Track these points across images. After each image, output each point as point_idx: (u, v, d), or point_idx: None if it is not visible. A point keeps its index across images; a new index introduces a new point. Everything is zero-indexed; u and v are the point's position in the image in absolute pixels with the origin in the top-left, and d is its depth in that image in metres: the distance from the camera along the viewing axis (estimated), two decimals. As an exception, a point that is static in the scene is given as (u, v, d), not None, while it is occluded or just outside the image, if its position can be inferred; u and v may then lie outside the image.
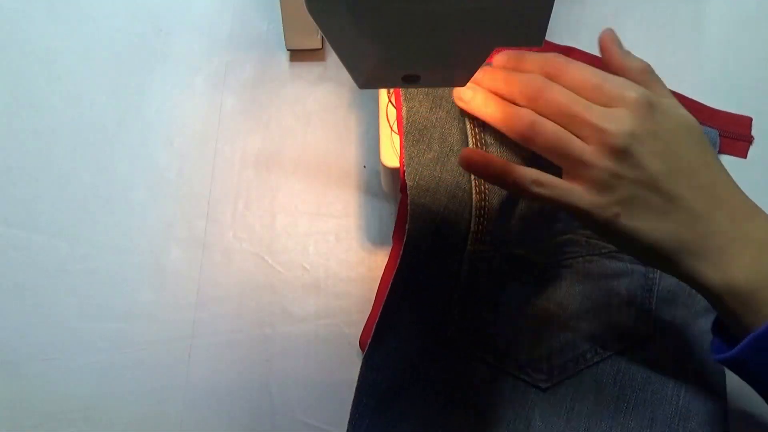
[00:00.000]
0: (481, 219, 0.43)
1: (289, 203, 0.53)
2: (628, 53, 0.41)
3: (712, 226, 0.37)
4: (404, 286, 0.44)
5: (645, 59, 0.41)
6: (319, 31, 0.46)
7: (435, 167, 0.43)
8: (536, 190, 0.38)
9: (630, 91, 0.38)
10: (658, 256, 0.38)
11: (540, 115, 0.39)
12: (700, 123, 0.41)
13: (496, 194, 0.43)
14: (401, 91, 0.44)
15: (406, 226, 0.43)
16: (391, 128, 0.44)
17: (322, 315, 0.50)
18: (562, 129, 0.38)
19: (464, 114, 0.43)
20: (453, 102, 0.43)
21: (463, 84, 0.37)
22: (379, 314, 0.44)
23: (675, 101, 0.40)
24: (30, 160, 0.54)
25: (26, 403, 0.48)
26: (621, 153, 0.37)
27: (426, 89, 0.44)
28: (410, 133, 0.43)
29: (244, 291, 0.50)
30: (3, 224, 0.52)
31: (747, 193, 0.39)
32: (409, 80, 0.33)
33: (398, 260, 0.43)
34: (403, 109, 0.43)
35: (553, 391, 0.46)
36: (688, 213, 0.37)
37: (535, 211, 0.45)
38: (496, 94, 0.42)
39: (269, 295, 0.50)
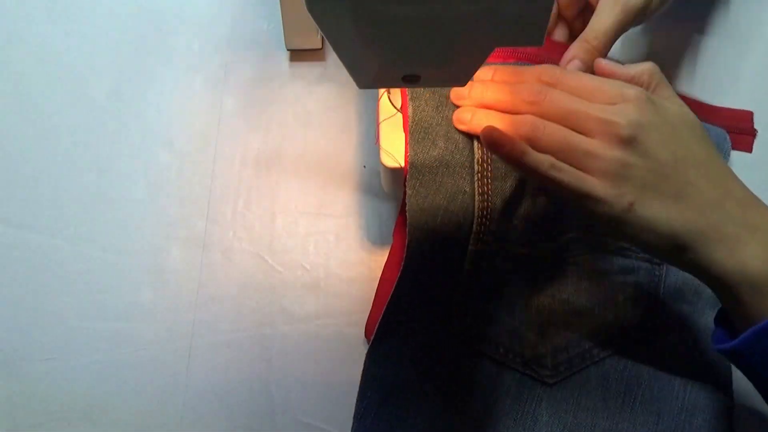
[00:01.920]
0: (484, 219, 0.43)
1: (289, 203, 0.53)
2: (629, 65, 0.42)
3: (724, 215, 0.37)
4: (409, 283, 0.44)
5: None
6: (319, 31, 0.46)
7: (438, 168, 0.43)
8: (553, 173, 0.38)
9: (628, 89, 0.39)
10: (673, 246, 0.38)
11: (542, 118, 0.39)
12: (704, 121, 0.41)
13: (498, 195, 0.43)
14: (407, 90, 0.44)
15: (407, 227, 0.43)
16: (379, 123, 0.44)
17: (322, 315, 0.50)
18: (566, 128, 0.39)
19: None
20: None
21: (463, 84, 0.37)
22: (383, 311, 0.44)
23: (678, 100, 0.41)
24: (30, 160, 0.54)
25: (26, 403, 0.48)
26: (629, 142, 0.37)
27: (432, 88, 0.44)
28: (415, 131, 0.43)
29: (244, 291, 0.50)
30: (3, 224, 0.52)
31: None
32: (410, 80, 0.33)
33: (402, 257, 0.43)
34: (409, 108, 0.43)
35: (559, 387, 0.46)
36: (701, 200, 0.38)
37: (539, 211, 0.45)
38: (495, 108, 0.42)
39: (269, 295, 0.50)
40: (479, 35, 0.29)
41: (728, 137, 0.50)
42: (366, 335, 0.48)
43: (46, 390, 0.48)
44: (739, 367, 0.39)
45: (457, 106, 0.44)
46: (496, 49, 0.32)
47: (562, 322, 0.47)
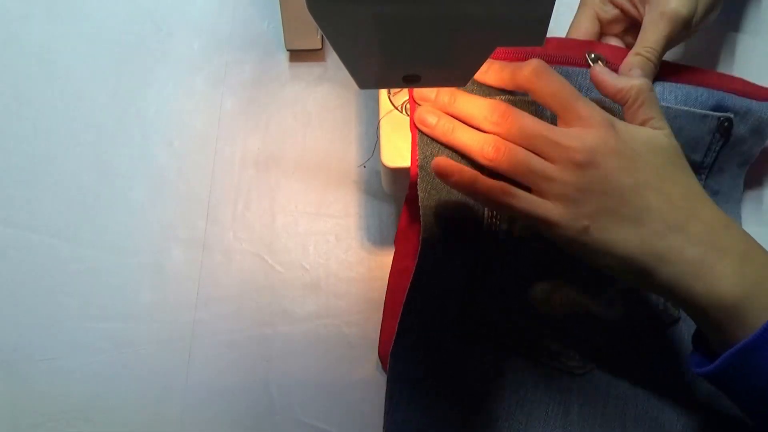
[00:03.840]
0: (494, 219, 0.44)
1: (289, 203, 0.53)
2: (621, 77, 0.42)
3: (686, 237, 0.37)
4: (425, 283, 0.44)
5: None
6: (319, 31, 0.46)
7: None
8: (506, 200, 0.39)
9: (592, 113, 0.39)
10: (632, 269, 0.38)
11: (504, 137, 0.40)
12: (752, 98, 0.43)
13: None
14: (415, 90, 0.44)
15: (422, 228, 0.43)
16: (380, 119, 0.44)
17: (322, 315, 0.50)
18: (526, 150, 0.39)
19: None
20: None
21: (463, 84, 0.37)
22: (401, 310, 0.44)
23: (659, 122, 0.41)
24: (30, 160, 0.54)
25: (26, 403, 0.48)
26: (584, 167, 0.38)
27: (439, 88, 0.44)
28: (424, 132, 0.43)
29: (244, 291, 0.50)
30: (3, 224, 0.52)
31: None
32: (410, 80, 0.33)
33: (407, 263, 0.43)
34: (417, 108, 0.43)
35: (588, 377, 0.46)
36: (661, 224, 0.38)
37: None
38: (459, 119, 0.42)
39: (269, 295, 0.50)
40: (480, 35, 0.29)
41: None
42: (379, 348, 0.48)
43: (46, 390, 0.48)
44: (722, 389, 0.39)
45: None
46: (497, 49, 0.33)
47: (586, 313, 0.47)
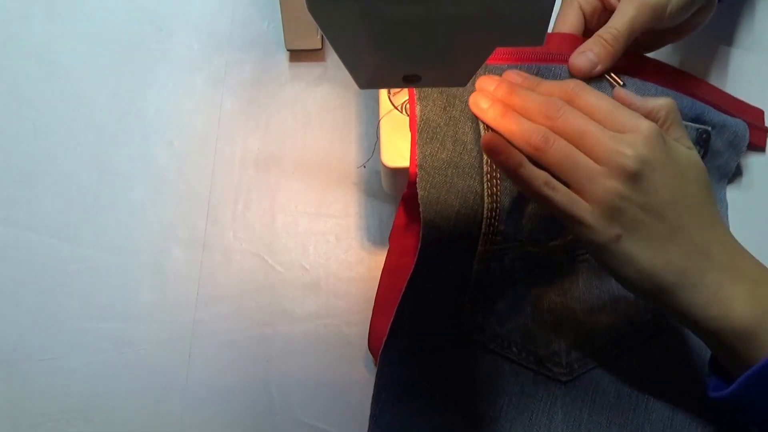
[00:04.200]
0: (492, 221, 0.43)
1: (289, 203, 0.53)
2: (648, 98, 0.42)
3: (709, 260, 0.38)
4: (421, 283, 0.44)
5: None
6: (319, 31, 0.46)
7: (447, 169, 0.43)
8: (546, 191, 0.38)
9: (643, 121, 0.39)
10: (652, 285, 0.38)
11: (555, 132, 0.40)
12: (726, 113, 0.42)
13: (507, 195, 0.43)
14: (415, 90, 0.44)
15: (422, 228, 0.43)
16: (380, 119, 0.44)
17: (322, 315, 0.50)
18: (574, 147, 0.39)
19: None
20: (466, 101, 0.43)
21: (463, 84, 0.37)
22: (395, 310, 0.44)
23: (688, 141, 0.41)
24: (30, 160, 0.54)
25: (26, 403, 0.48)
26: (632, 176, 0.37)
27: (440, 88, 0.44)
28: (423, 131, 0.43)
29: (244, 291, 0.50)
30: (3, 224, 0.52)
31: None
32: (410, 80, 0.33)
33: (399, 262, 0.43)
34: (417, 108, 0.43)
35: (573, 385, 0.46)
36: (689, 245, 0.38)
37: (542, 210, 0.45)
38: (513, 109, 0.42)
39: (269, 295, 0.50)
40: (480, 35, 0.29)
41: (747, 135, 0.50)
42: (369, 343, 0.48)
43: (46, 390, 0.48)
44: (740, 414, 0.38)
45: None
46: (497, 49, 0.32)
47: (575, 319, 0.47)
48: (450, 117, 0.44)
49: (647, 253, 0.38)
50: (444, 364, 0.46)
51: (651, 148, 0.38)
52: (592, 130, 0.39)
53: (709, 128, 0.47)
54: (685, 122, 0.45)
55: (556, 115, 0.40)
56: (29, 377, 0.48)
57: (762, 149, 0.53)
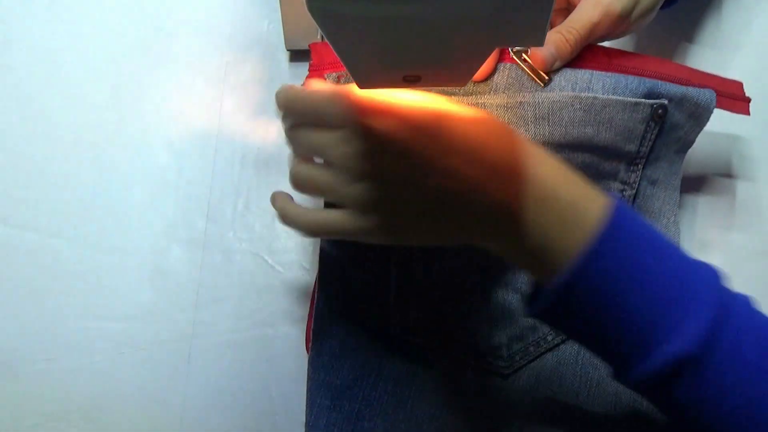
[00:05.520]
0: None
1: (289, 203, 0.53)
2: None
3: (484, 195, 0.36)
4: (326, 294, 0.44)
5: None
6: (319, 31, 0.46)
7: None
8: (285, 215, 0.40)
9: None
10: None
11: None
12: (694, 85, 0.42)
13: None
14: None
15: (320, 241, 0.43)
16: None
17: (322, 315, 0.50)
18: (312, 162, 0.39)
19: None
20: None
21: (464, 84, 0.37)
22: (312, 316, 0.44)
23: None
24: (30, 160, 0.54)
25: (26, 403, 0.48)
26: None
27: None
28: None
29: (244, 291, 0.50)
30: (3, 224, 0.52)
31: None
32: (410, 80, 0.33)
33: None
34: None
35: (515, 377, 0.46)
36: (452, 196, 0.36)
37: None
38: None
39: (269, 295, 0.50)
40: (480, 35, 0.29)
41: (715, 97, 0.47)
42: (306, 344, 0.48)
43: (46, 390, 0.48)
44: (556, 326, 0.37)
45: None
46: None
47: (517, 311, 0.46)
48: None
49: (415, 225, 0.37)
50: (379, 367, 0.45)
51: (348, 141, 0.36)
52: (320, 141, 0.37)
53: (665, 101, 0.45)
54: (636, 99, 0.44)
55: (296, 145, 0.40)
56: (29, 377, 0.48)
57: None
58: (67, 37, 0.57)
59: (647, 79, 0.45)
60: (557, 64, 0.44)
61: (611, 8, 0.44)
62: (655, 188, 0.47)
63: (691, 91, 0.46)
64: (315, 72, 0.45)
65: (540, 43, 0.29)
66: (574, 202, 0.35)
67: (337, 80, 0.44)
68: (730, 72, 0.49)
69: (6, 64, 0.56)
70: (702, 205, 0.53)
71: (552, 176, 0.36)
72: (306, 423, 0.43)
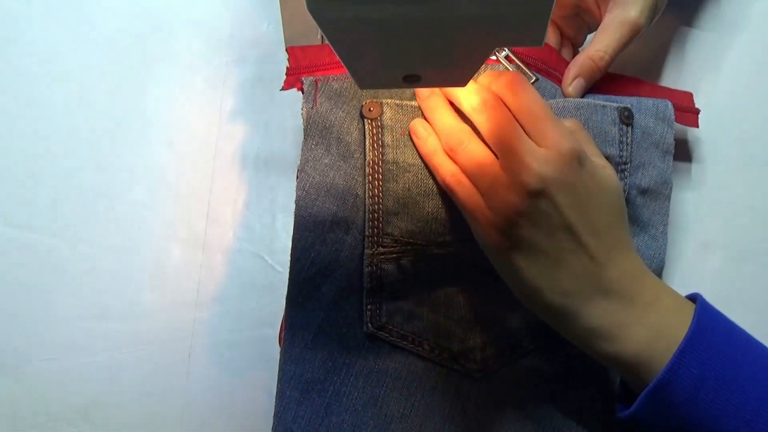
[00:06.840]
0: (376, 222, 0.43)
1: (289, 203, 0.52)
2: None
3: (600, 286, 0.38)
4: (299, 290, 0.44)
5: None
6: (319, 31, 0.46)
7: (329, 173, 0.44)
8: (451, 182, 0.40)
9: (565, 139, 0.38)
10: (539, 304, 0.39)
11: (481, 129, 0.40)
12: (646, 97, 0.43)
13: (390, 197, 0.43)
14: (303, 92, 0.45)
15: (293, 229, 0.44)
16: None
17: (322, 315, 0.50)
18: (488, 153, 0.39)
19: (364, 114, 0.44)
20: (353, 102, 0.45)
21: (464, 84, 0.37)
22: (285, 308, 0.44)
23: (604, 161, 0.41)
24: (30, 160, 0.54)
25: (26, 403, 0.48)
26: (532, 194, 0.37)
27: (327, 90, 0.45)
28: (311, 136, 0.44)
29: (244, 291, 0.50)
30: (3, 224, 0.52)
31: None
32: (410, 80, 0.33)
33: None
34: (303, 110, 0.44)
35: (488, 380, 0.46)
36: (579, 269, 0.38)
37: (452, 212, 0.44)
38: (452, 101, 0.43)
39: (269, 295, 0.50)
40: (480, 35, 0.29)
41: (671, 107, 0.49)
42: (279, 336, 0.47)
43: (46, 390, 0.48)
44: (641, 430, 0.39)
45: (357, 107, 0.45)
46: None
47: (491, 316, 0.46)
48: (336, 118, 0.44)
49: (532, 271, 0.38)
50: (350, 362, 0.45)
51: (560, 169, 0.37)
52: (512, 135, 0.38)
53: (629, 105, 0.46)
54: (604, 102, 0.45)
55: (482, 109, 0.40)
56: (29, 377, 0.48)
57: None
58: (67, 37, 0.57)
59: (608, 96, 0.47)
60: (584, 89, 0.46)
61: (638, 24, 0.44)
62: (645, 198, 0.47)
63: (644, 100, 0.48)
64: (291, 76, 0.46)
65: (540, 43, 0.29)
66: (672, 307, 0.38)
67: (314, 84, 0.45)
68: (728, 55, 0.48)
69: (6, 64, 0.56)
70: (702, 205, 0.53)
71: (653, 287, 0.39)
72: (275, 415, 0.43)
